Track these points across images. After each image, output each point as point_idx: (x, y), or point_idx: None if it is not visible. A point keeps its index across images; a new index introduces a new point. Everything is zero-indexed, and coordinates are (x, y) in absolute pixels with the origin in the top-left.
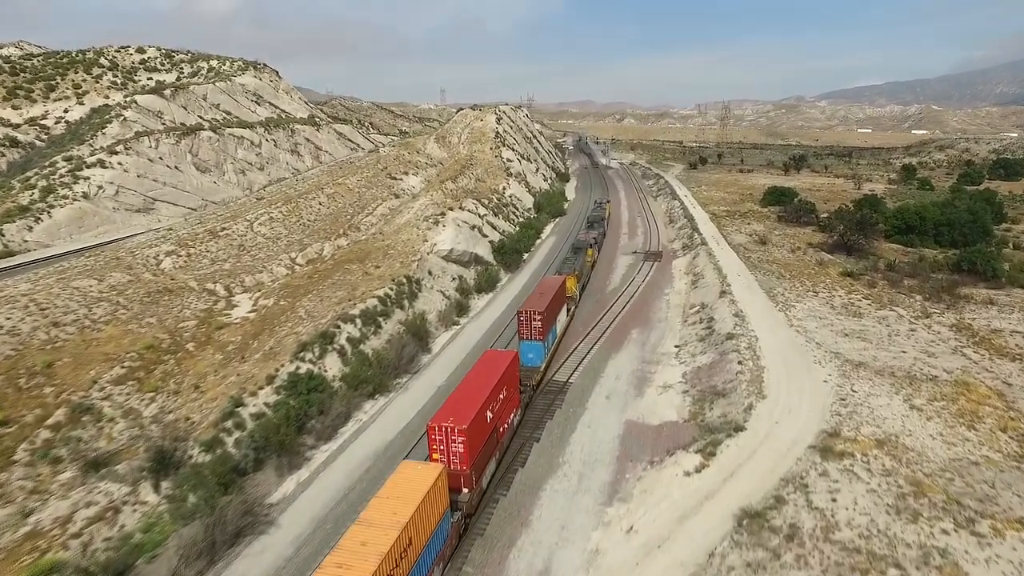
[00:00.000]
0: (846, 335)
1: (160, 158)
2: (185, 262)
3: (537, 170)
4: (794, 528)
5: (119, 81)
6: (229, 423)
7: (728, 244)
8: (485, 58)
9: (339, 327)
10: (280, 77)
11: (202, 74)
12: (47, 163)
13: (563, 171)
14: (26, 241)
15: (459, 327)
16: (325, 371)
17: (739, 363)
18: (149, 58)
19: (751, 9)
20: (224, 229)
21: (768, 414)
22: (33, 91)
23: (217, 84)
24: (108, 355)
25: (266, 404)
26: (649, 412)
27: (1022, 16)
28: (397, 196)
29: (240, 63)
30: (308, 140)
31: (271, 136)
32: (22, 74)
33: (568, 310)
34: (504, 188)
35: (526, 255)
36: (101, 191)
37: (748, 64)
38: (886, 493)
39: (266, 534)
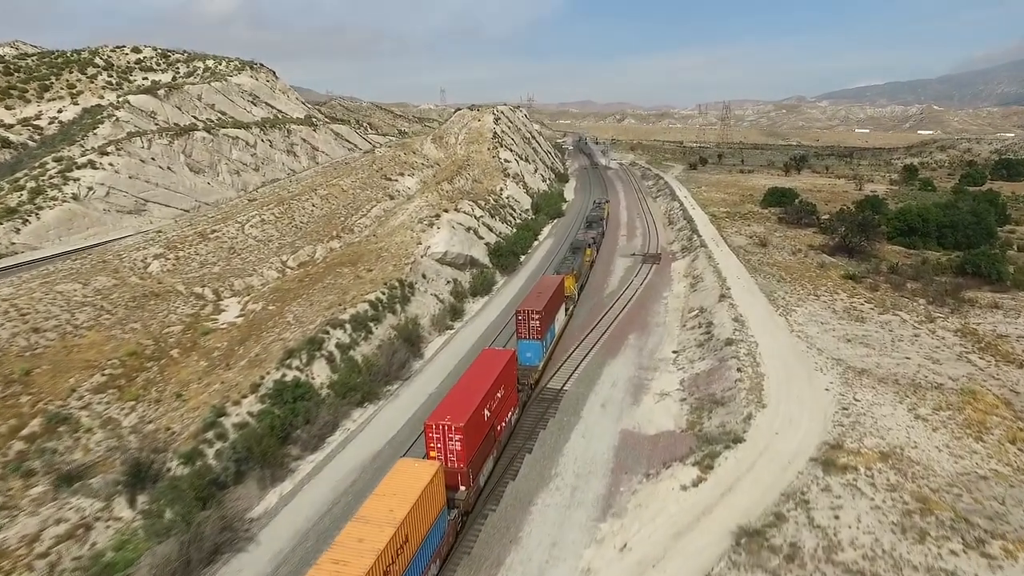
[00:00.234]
0: (848, 341)
1: (152, 159)
2: (173, 265)
3: (535, 171)
4: (795, 547)
5: (114, 81)
6: (210, 434)
7: (728, 246)
8: (485, 59)
9: (328, 333)
10: (277, 77)
11: (198, 74)
12: (37, 164)
13: (562, 172)
14: (13, 243)
15: (453, 331)
16: (313, 378)
17: (738, 370)
18: (145, 58)
19: (752, 9)
20: (214, 231)
21: (768, 424)
22: (27, 91)
23: (212, 84)
24: (89, 362)
25: (250, 413)
26: (645, 421)
27: (1023, 16)
28: (392, 197)
29: (236, 63)
30: (304, 140)
31: (267, 136)
32: (16, 74)
33: (566, 309)
34: (501, 189)
35: (523, 257)
36: (91, 192)
37: (749, 64)
38: (891, 510)
39: (245, 551)
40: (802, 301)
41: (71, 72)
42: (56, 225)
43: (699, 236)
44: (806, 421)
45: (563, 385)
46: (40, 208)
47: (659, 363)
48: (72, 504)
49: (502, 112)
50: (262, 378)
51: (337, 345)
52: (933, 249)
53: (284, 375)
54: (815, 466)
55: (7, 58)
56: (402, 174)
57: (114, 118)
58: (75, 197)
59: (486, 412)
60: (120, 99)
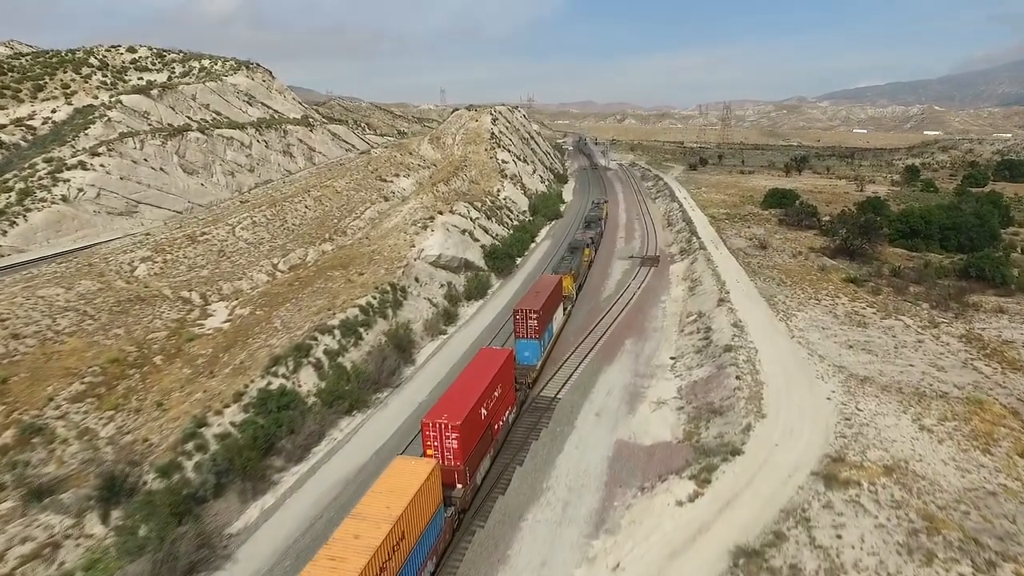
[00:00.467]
0: (850, 347)
1: (145, 160)
2: (161, 268)
3: (534, 172)
4: (795, 570)
5: (109, 81)
6: (190, 445)
7: (727, 248)
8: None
9: (316, 339)
10: (273, 77)
11: (193, 74)
12: (27, 165)
13: (561, 172)
14: (0, 246)
15: (446, 336)
16: (299, 386)
17: (737, 378)
18: (140, 58)
19: (752, 9)
20: (204, 233)
21: (767, 435)
22: (21, 91)
23: (207, 84)
24: (69, 369)
25: (232, 423)
26: (641, 431)
27: (1023, 16)
28: (387, 199)
29: (232, 63)
30: (301, 141)
31: (262, 137)
32: (10, 73)
33: (564, 309)
34: (498, 190)
35: (519, 260)
36: (81, 194)
37: (749, 64)
38: (896, 529)
39: (221, 569)
40: (803, 305)
41: (65, 72)
42: (45, 227)
43: (698, 238)
44: (807, 432)
45: (557, 393)
46: (28, 210)
47: (656, 370)
48: (41, 521)
49: (500, 112)
50: (246, 386)
51: (325, 352)
52: (936, 252)
53: (269, 383)
54: (816, 480)
55: (1, 58)
56: (397, 175)
57: (106, 118)
58: (65, 199)
59: (483, 411)
60: (112, 99)
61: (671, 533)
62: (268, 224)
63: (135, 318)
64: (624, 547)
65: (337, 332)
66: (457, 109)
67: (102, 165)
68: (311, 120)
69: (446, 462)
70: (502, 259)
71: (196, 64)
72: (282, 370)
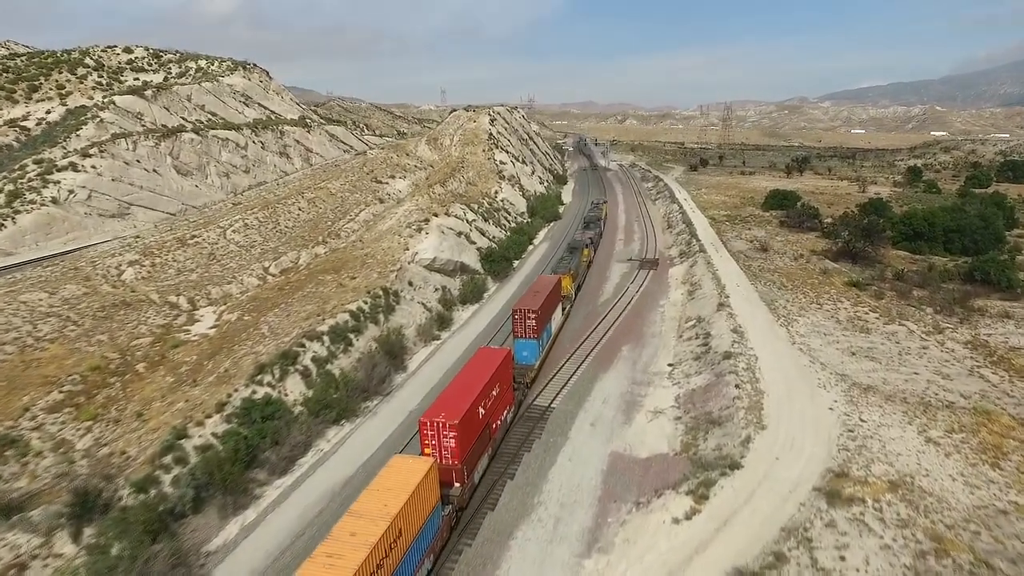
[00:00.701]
0: (853, 353)
1: (137, 161)
2: (148, 272)
3: (532, 173)
4: None
5: (104, 81)
6: (168, 458)
7: (727, 251)
8: (486, 59)
9: (304, 346)
10: (271, 77)
11: (190, 74)
12: (16, 166)
13: (560, 174)
14: None
15: (439, 342)
16: (286, 395)
17: (737, 386)
18: (136, 58)
19: (752, 9)
20: (194, 236)
21: (768, 448)
22: (15, 91)
23: (203, 84)
24: (48, 378)
25: (214, 435)
26: (637, 442)
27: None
28: (382, 201)
29: (229, 63)
30: (298, 142)
31: (259, 138)
32: (4, 74)
33: (563, 309)
34: (496, 192)
35: (516, 262)
36: (72, 196)
37: (749, 64)
38: (903, 550)
39: None
40: (804, 310)
41: (60, 72)
42: (33, 230)
43: (698, 240)
44: (809, 445)
45: (551, 402)
46: (17, 212)
47: (653, 377)
48: (7, 540)
49: (498, 113)
50: (229, 396)
51: (313, 359)
52: (940, 254)
53: (254, 392)
54: (818, 497)
55: None
56: (393, 176)
57: (98, 119)
58: (54, 200)
59: (481, 410)
60: (105, 100)
61: (667, 553)
62: (260, 227)
63: (119, 324)
64: (617, 568)
65: (326, 338)
66: (456, 110)
67: (93, 167)
68: (308, 121)
69: (444, 460)
70: (499, 262)
71: (193, 64)
72: (268, 378)
